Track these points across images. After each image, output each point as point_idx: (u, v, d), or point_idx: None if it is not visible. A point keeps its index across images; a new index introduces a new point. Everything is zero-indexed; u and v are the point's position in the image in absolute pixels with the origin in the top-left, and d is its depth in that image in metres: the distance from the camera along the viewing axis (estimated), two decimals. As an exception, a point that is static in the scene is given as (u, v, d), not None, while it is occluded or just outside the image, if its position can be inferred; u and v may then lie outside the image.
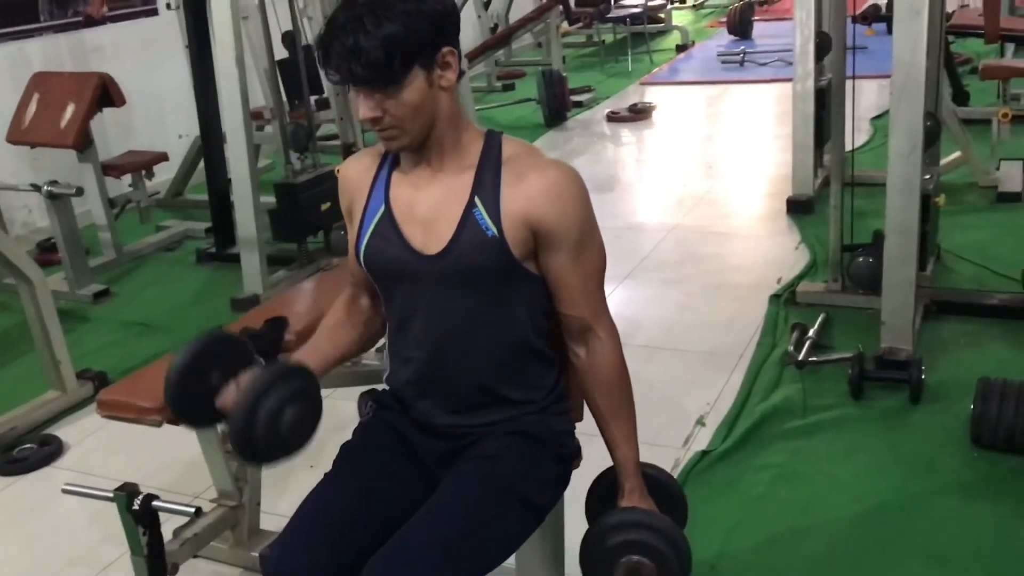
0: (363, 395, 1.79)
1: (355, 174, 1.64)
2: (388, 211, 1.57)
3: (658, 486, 1.73)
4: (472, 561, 1.49)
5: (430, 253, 1.53)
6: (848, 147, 4.78)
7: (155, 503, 1.98)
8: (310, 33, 4.82)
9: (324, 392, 3.02)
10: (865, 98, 5.80)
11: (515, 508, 1.56)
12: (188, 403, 1.60)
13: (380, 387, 1.77)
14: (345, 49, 1.40)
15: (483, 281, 1.54)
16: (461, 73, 1.50)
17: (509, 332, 1.59)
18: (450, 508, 1.52)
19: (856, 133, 5.20)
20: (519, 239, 1.51)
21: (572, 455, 1.71)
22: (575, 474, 1.76)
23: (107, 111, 4.62)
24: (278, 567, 1.50)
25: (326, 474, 1.63)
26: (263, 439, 1.46)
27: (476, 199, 1.51)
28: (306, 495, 1.60)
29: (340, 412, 2.04)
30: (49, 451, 3.01)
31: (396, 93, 1.44)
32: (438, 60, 1.46)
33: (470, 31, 8.21)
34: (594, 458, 1.74)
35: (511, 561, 1.89)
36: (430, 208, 1.54)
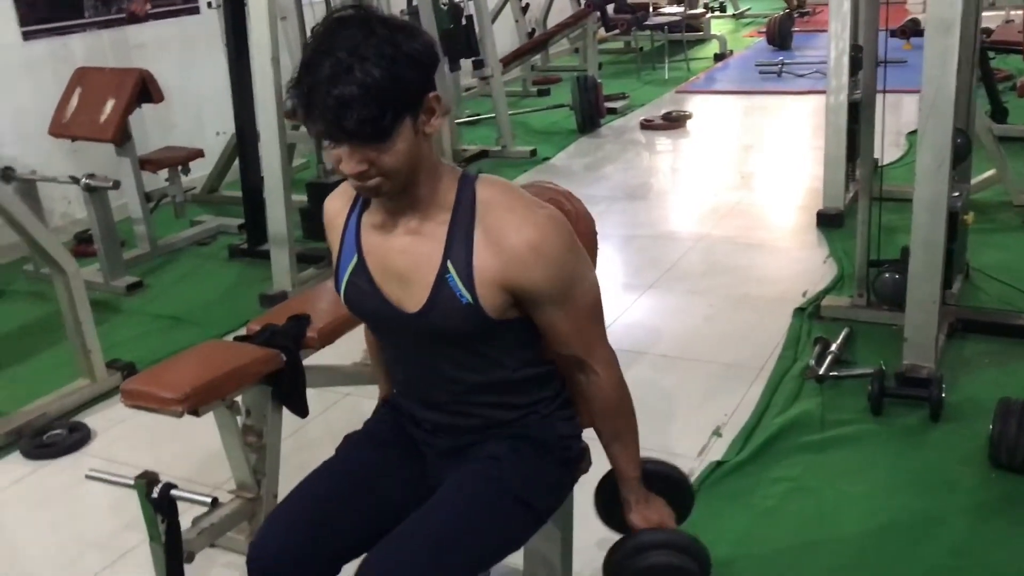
0: (382, 399, 1.85)
1: (332, 215, 1.63)
2: (361, 261, 1.55)
3: (663, 479, 1.77)
4: (468, 559, 1.52)
5: (407, 311, 1.52)
6: (881, 162, 4.80)
7: (174, 492, 2.02)
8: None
9: (346, 389, 3.07)
10: (903, 113, 5.79)
11: (514, 509, 1.59)
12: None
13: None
14: (334, 102, 1.31)
15: (462, 340, 1.54)
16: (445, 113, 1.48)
17: (495, 376, 1.60)
18: (449, 507, 1.55)
19: (891, 148, 5.17)
20: (495, 303, 1.48)
21: (576, 458, 1.73)
22: (584, 477, 1.79)
23: (147, 107, 4.72)
24: (257, 548, 1.55)
25: (324, 462, 1.67)
26: None
27: (448, 264, 1.47)
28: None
29: (361, 408, 2.07)
30: (77, 438, 3.09)
31: (385, 146, 1.37)
32: (424, 107, 1.39)
33: (507, 36, 8.25)
34: (604, 463, 1.77)
35: (519, 562, 1.93)
36: (403, 264, 1.51)
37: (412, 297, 1.50)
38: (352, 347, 2.78)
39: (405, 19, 1.50)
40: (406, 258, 1.51)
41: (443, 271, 1.47)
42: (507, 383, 1.61)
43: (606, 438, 1.67)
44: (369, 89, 1.31)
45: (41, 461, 3.01)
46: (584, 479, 1.80)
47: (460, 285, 1.46)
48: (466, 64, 6.83)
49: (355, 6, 1.41)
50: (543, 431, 1.66)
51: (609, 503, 1.77)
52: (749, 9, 11.75)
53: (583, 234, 1.65)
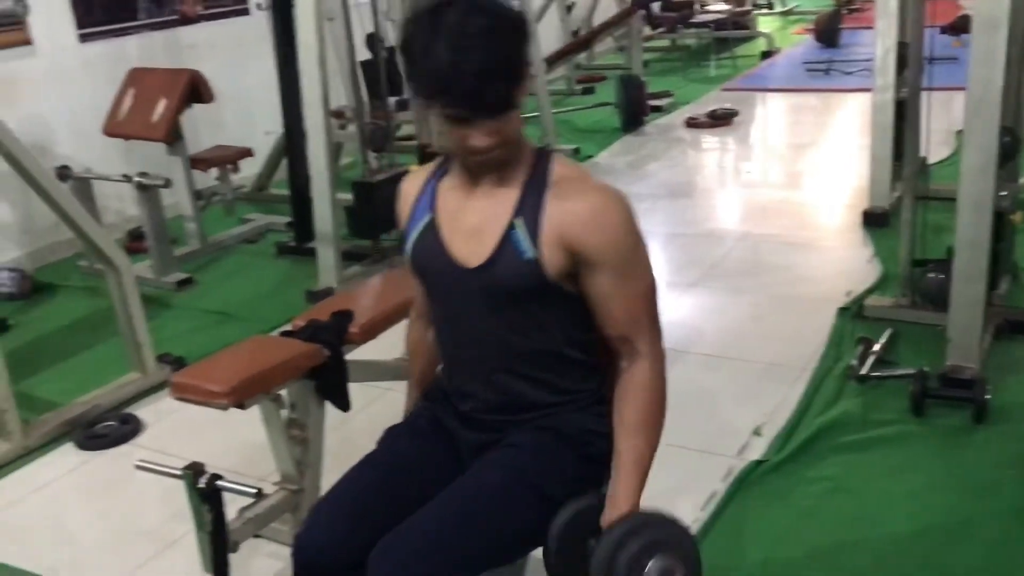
0: (423, 392, 1.88)
1: (408, 188, 1.71)
2: (433, 220, 1.63)
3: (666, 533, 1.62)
4: (479, 546, 1.53)
5: (470, 266, 1.57)
6: (929, 160, 4.73)
7: (219, 482, 2.07)
8: (391, 35, 4.94)
9: (388, 384, 3.12)
10: (952, 111, 5.69)
11: (531, 499, 1.59)
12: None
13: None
14: (473, 81, 1.40)
15: (518, 299, 1.58)
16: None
17: (542, 344, 1.62)
18: (465, 493, 1.58)
19: (940, 146, 5.11)
20: (556, 262, 1.53)
21: (600, 455, 1.68)
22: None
23: (198, 107, 4.81)
24: (303, 539, 1.60)
25: (365, 456, 1.71)
26: None
27: (517, 220, 1.54)
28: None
29: (403, 403, 2.10)
30: (128, 429, 3.18)
31: (510, 116, 1.48)
32: (526, 75, 1.48)
33: (552, 35, 8.26)
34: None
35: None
36: (474, 221, 1.58)
37: (477, 251, 1.56)
38: (394, 343, 2.81)
39: None
40: (477, 216, 1.58)
41: (511, 226, 1.54)
42: (552, 358, 1.63)
43: (626, 426, 1.59)
44: (500, 64, 1.41)
45: (93, 452, 3.11)
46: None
47: (525, 240, 1.53)
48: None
49: None
50: (569, 424, 1.67)
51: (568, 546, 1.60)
52: (798, 6, 11.64)
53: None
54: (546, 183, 1.55)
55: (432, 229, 1.62)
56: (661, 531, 1.57)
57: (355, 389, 2.53)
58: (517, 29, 1.45)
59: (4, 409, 3.04)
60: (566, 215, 1.52)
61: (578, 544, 1.58)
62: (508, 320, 1.60)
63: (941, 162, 4.97)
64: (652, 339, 1.61)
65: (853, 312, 3.56)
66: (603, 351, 1.68)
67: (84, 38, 5.14)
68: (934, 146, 4.88)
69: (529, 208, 1.54)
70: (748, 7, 9.98)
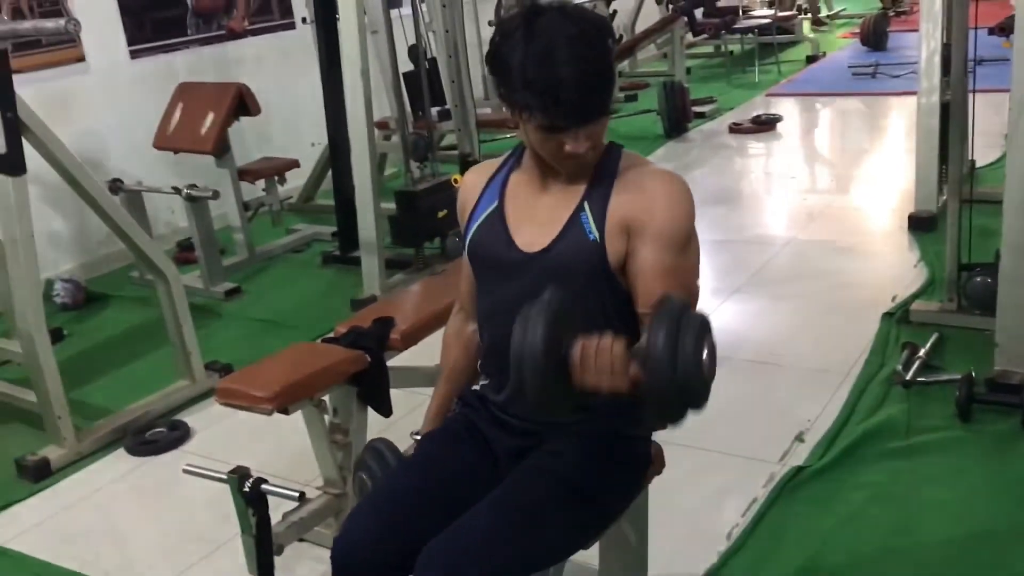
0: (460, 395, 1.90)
1: (474, 179, 1.76)
2: (500, 207, 1.67)
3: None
4: (526, 552, 1.55)
5: (532, 251, 1.62)
6: (978, 163, 4.66)
7: (264, 486, 2.12)
8: (434, 47, 4.99)
9: (430, 391, 3.15)
10: (1002, 113, 5.60)
11: (576, 505, 1.61)
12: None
13: (475, 387, 1.87)
14: (575, 92, 1.44)
15: (574, 280, 1.58)
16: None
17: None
18: (510, 500, 1.59)
19: (988, 149, 5.02)
20: (617, 246, 1.57)
21: (643, 458, 1.74)
22: (660, 481, 1.81)
23: (245, 119, 4.91)
24: (342, 543, 1.62)
25: (401, 460, 1.73)
26: (692, 381, 1.36)
27: (585, 203, 1.59)
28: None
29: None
30: (177, 435, 3.25)
31: (603, 121, 1.53)
32: (615, 78, 1.55)
33: (595, 42, 8.27)
34: (680, 467, 1.78)
35: (594, 561, 1.96)
36: (544, 210, 1.63)
37: (542, 236, 1.61)
38: (435, 349, 2.84)
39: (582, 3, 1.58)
40: (547, 204, 1.62)
41: (579, 209, 1.59)
42: None
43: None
44: (596, 73, 1.46)
45: (144, 457, 3.18)
46: (660, 482, 1.82)
47: (592, 222, 1.57)
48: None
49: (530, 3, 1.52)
50: (609, 428, 1.68)
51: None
52: (844, 9, 11.52)
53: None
54: (615, 174, 1.60)
55: (498, 215, 1.67)
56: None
57: (397, 395, 2.56)
58: (605, 35, 1.50)
59: (59, 416, 3.13)
60: (632, 195, 1.57)
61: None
62: None
63: (990, 165, 4.88)
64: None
65: (898, 317, 3.52)
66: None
67: (135, 54, 5.27)
68: (983, 149, 4.81)
69: (597, 195, 1.59)
70: (792, 12, 9.88)
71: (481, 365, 1.80)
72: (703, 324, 1.39)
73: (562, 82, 1.43)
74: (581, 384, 1.38)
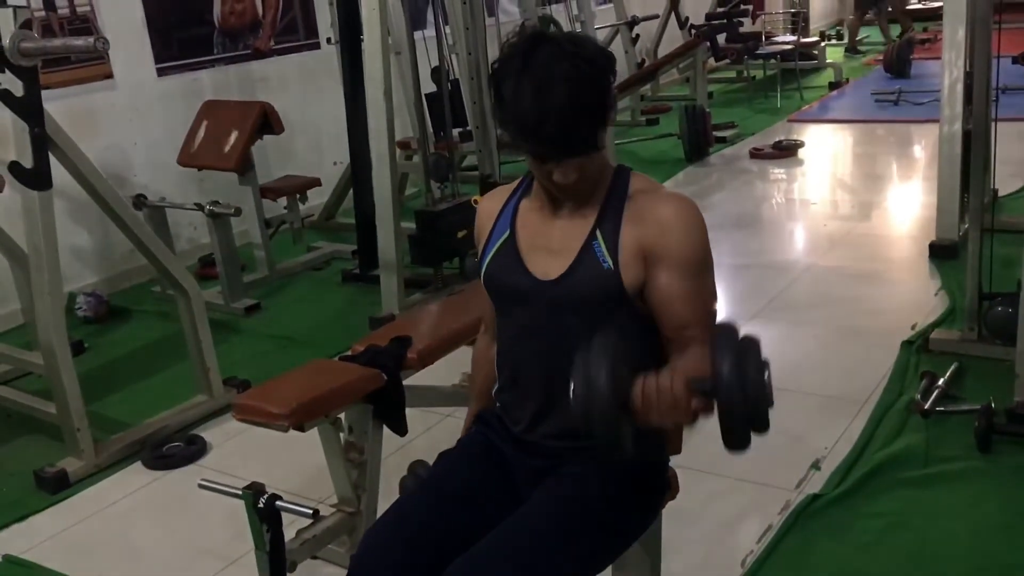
0: (477, 414, 1.90)
1: (489, 205, 1.76)
2: (512, 236, 1.68)
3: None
4: (550, 574, 1.55)
5: (547, 279, 1.62)
6: (1001, 192, 4.64)
7: (278, 503, 2.12)
8: (456, 69, 5.03)
9: (446, 410, 3.15)
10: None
11: (595, 530, 1.62)
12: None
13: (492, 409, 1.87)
14: (557, 126, 1.45)
15: (591, 311, 1.60)
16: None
17: None
18: (531, 524, 1.59)
19: (1011, 178, 5.01)
20: (633, 274, 1.58)
21: (661, 485, 1.75)
22: (672, 505, 1.80)
23: (268, 137, 4.97)
24: (358, 562, 1.62)
25: (417, 484, 1.74)
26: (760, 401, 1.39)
27: (597, 232, 1.59)
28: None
29: (459, 430, 2.12)
30: (194, 450, 3.26)
31: (593, 155, 1.54)
32: (610, 117, 1.53)
33: (618, 66, 8.29)
34: (695, 493, 1.78)
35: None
36: (555, 239, 1.63)
37: (556, 264, 1.61)
38: (452, 369, 2.87)
39: (581, 34, 1.59)
40: (558, 235, 1.63)
41: (591, 238, 1.59)
42: None
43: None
44: (583, 109, 1.46)
45: (161, 471, 3.20)
46: (675, 507, 1.81)
47: (605, 251, 1.58)
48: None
49: (532, 28, 1.56)
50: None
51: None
52: (868, 37, 11.51)
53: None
54: (624, 198, 1.61)
55: (510, 244, 1.67)
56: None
57: (413, 414, 2.57)
58: (603, 70, 1.49)
59: (78, 428, 3.16)
60: (644, 223, 1.57)
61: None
62: (576, 335, 1.59)
63: (1012, 194, 4.86)
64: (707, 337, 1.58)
65: (918, 345, 3.49)
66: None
67: (162, 72, 5.34)
68: (1006, 178, 4.81)
69: (609, 222, 1.59)
70: (815, 38, 9.89)
71: (497, 393, 1.79)
72: (758, 347, 1.40)
73: (547, 117, 1.45)
74: (645, 423, 1.40)
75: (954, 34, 4.19)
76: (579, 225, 1.61)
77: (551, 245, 1.63)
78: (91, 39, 2.95)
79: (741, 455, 1.45)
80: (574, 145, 1.49)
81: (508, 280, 1.67)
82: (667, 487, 1.78)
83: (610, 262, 1.57)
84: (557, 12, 7.16)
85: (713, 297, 1.65)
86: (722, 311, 4.30)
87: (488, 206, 1.76)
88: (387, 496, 2.58)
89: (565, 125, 1.46)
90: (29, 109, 2.94)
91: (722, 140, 7.15)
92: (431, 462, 1.82)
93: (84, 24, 4.91)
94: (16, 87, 2.91)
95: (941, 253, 4.37)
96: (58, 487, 3.11)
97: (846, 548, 2.43)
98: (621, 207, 1.60)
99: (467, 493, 1.70)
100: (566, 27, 6.84)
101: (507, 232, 1.68)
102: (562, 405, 1.63)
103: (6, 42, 2.84)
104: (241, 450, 3.26)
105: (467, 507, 1.68)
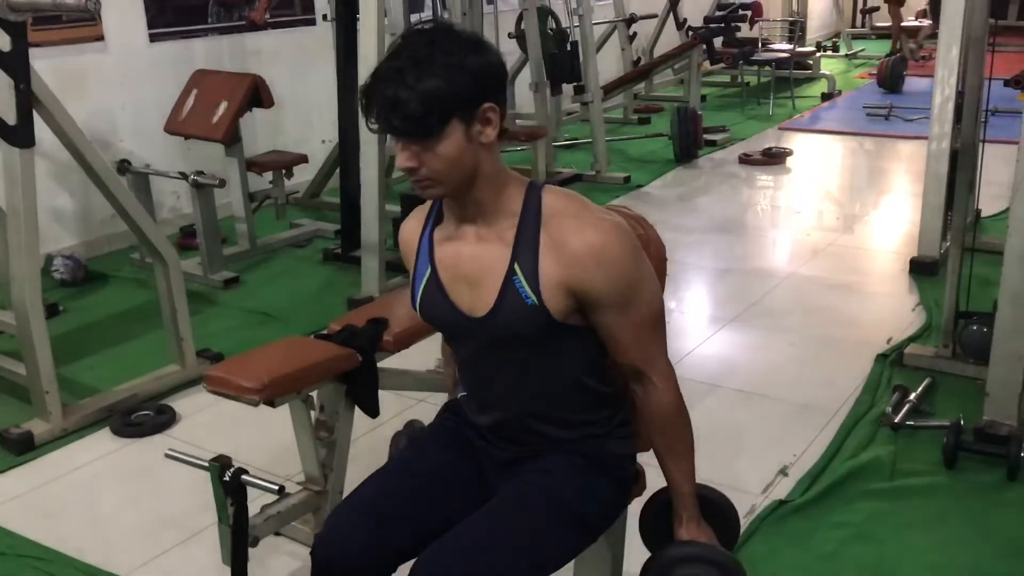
0: (446, 403, 1.91)
1: (408, 235, 1.71)
2: (434, 273, 1.62)
3: (711, 507, 1.75)
4: (514, 569, 1.55)
5: (476, 316, 1.58)
6: (984, 213, 4.66)
7: (244, 477, 2.10)
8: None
9: (420, 395, 3.15)
10: (1013, 164, 5.60)
11: (565, 522, 1.62)
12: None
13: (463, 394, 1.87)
14: (385, 100, 1.44)
15: (529, 343, 1.59)
16: (504, 131, 1.52)
17: (560, 378, 1.64)
18: (501, 515, 1.60)
19: (995, 199, 5.03)
20: (559, 305, 1.53)
21: (630, 478, 1.76)
22: (636, 502, 1.81)
23: (258, 111, 4.93)
24: (322, 543, 1.62)
25: (387, 461, 1.74)
26: None
27: (515, 266, 1.53)
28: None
29: (434, 415, 2.12)
30: (163, 419, 3.24)
31: (433, 145, 1.46)
32: (478, 116, 1.47)
33: (613, 63, 8.31)
34: (657, 487, 1.79)
35: (568, 578, 1.95)
36: (472, 270, 1.58)
37: (480, 301, 1.57)
38: (427, 355, 2.85)
39: (477, 36, 1.56)
40: (475, 264, 1.58)
41: (510, 273, 1.53)
42: (570, 391, 1.65)
43: (662, 451, 1.67)
44: (418, 91, 1.41)
45: (128, 439, 3.18)
46: (640, 504, 1.82)
47: (526, 286, 1.52)
48: (568, 89, 6.92)
49: (434, 20, 1.51)
50: (598, 449, 1.70)
51: (654, 522, 1.78)
52: (863, 50, 11.57)
53: (653, 258, 1.69)
54: (539, 222, 1.53)
55: (434, 282, 1.62)
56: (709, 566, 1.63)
57: (387, 397, 2.56)
58: (465, 69, 1.44)
59: (46, 390, 3.13)
60: (563, 258, 1.51)
61: None
62: (523, 362, 1.62)
63: (995, 215, 4.90)
64: (660, 365, 1.63)
65: (892, 359, 3.52)
66: (620, 375, 1.70)
67: (154, 38, 5.29)
68: (990, 199, 4.83)
69: (525, 252, 1.53)
70: (811, 48, 9.90)
71: (461, 393, 1.81)
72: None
73: (375, 91, 1.45)
74: None
75: (948, 52, 4.21)
76: (494, 254, 1.55)
77: (470, 276, 1.58)
78: (82, -1, 2.91)
79: None
80: (394, 121, 1.44)
81: (440, 316, 1.64)
82: (634, 480, 1.79)
83: (533, 298, 1.52)
84: (556, 5, 7.14)
85: (656, 317, 1.60)
86: (700, 314, 4.32)
87: (407, 236, 1.70)
88: (354, 477, 2.58)
89: (389, 99, 1.42)
90: (15, 65, 2.90)
91: (712, 143, 7.16)
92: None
93: (78, -16, 4.84)
94: (4, 42, 2.87)
95: (921, 269, 4.40)
96: (22, 449, 3.08)
97: (808, 556, 2.45)
98: (537, 234, 1.53)
99: (436, 480, 1.71)
100: (564, 20, 6.82)
101: (428, 269, 1.63)
102: (519, 415, 1.68)
103: (-4, -4, 2.80)
104: (210, 423, 3.24)
105: (434, 494, 1.68)
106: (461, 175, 1.51)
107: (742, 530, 2.51)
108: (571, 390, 1.65)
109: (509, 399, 1.67)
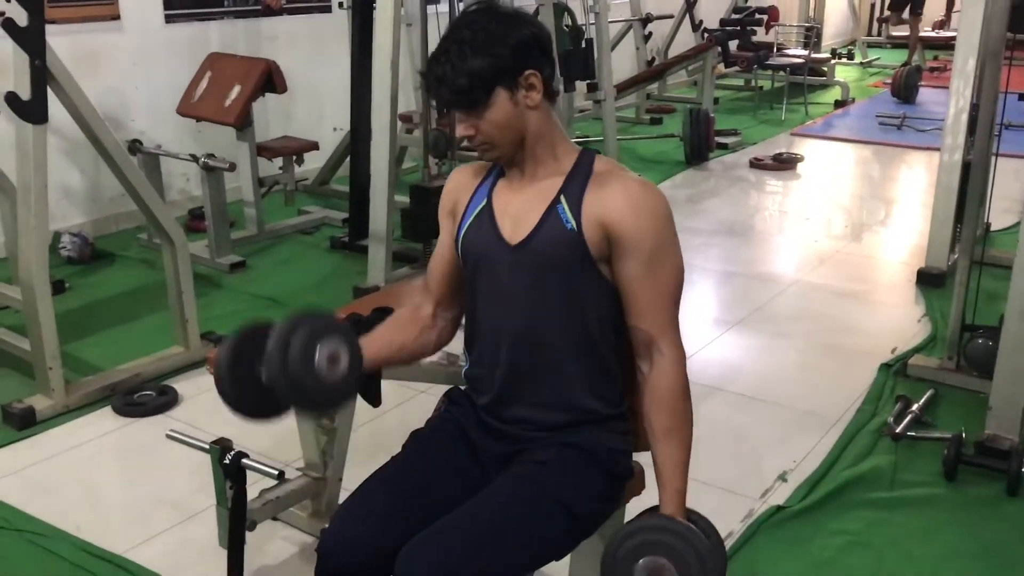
0: (445, 394, 1.91)
1: (462, 179, 1.82)
2: (489, 205, 1.73)
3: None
4: (504, 558, 1.56)
5: (514, 242, 1.67)
6: (994, 227, 4.65)
7: (244, 460, 2.12)
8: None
9: (422, 386, 3.15)
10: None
11: (557, 515, 1.63)
12: (242, 394, 1.76)
13: (462, 386, 1.88)
14: (435, 79, 1.62)
15: (557, 273, 1.64)
16: (555, 93, 1.66)
17: (576, 333, 1.67)
18: (492, 505, 1.60)
19: (1005, 213, 5.03)
20: (596, 239, 1.62)
21: (625, 473, 1.76)
22: (634, 501, 1.81)
23: (270, 96, 4.93)
24: (330, 537, 1.63)
25: (392, 458, 1.74)
26: (300, 376, 1.59)
27: (561, 196, 1.65)
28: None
29: (431, 407, 2.12)
30: (165, 400, 3.25)
31: (483, 113, 1.62)
32: (521, 82, 1.61)
33: (627, 62, 8.29)
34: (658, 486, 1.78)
35: (564, 574, 1.96)
36: (522, 205, 1.69)
37: (521, 228, 1.68)
38: (431, 346, 2.85)
39: (516, 11, 1.69)
40: (525, 200, 1.70)
41: (555, 201, 1.66)
42: (576, 353, 1.67)
43: (659, 434, 1.63)
44: (463, 69, 1.57)
45: (130, 419, 3.18)
46: (638, 504, 1.81)
47: (568, 212, 1.64)
48: (581, 86, 6.91)
49: (478, 1, 1.65)
50: (594, 442, 1.70)
51: None
52: (878, 59, 11.53)
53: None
54: (588, 174, 1.67)
55: (487, 212, 1.73)
56: (672, 536, 1.58)
57: (388, 387, 2.55)
58: (506, 41, 1.58)
59: (50, 367, 3.13)
60: (606, 200, 1.63)
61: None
62: (544, 300, 1.66)
63: (1005, 229, 4.89)
64: (672, 337, 1.65)
65: (896, 369, 3.51)
66: (627, 367, 1.71)
67: (170, 19, 5.30)
68: (1000, 212, 4.82)
69: (572, 190, 1.66)
70: (827, 55, 9.87)
71: (465, 373, 1.82)
72: (315, 329, 1.62)
73: (431, 68, 1.62)
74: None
75: (964, 64, 4.19)
76: (545, 193, 1.67)
77: (519, 211, 1.69)
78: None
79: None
80: (444, 95, 1.62)
81: (480, 241, 1.71)
82: (629, 475, 1.78)
83: (573, 223, 1.63)
84: (572, 1, 7.12)
85: (677, 285, 1.66)
86: (706, 317, 4.32)
87: (461, 179, 1.82)
88: (354, 466, 2.58)
89: (437, 76, 1.60)
90: (31, 40, 2.90)
91: (723, 146, 7.15)
92: (403, 438, 1.82)
93: (96, -38, 4.85)
94: (21, 17, 2.88)
95: (929, 280, 4.39)
96: (24, 423, 3.09)
97: (804, 562, 2.44)
98: (585, 180, 1.66)
99: (441, 475, 1.71)
100: (580, 17, 6.80)
101: (484, 201, 1.73)
102: (527, 372, 1.69)
103: (14, -30, 2.81)
104: (212, 405, 3.19)
105: (440, 488, 1.68)
106: (513, 137, 1.65)
107: (739, 534, 2.52)
108: (581, 347, 1.67)
109: (518, 351, 1.68)
